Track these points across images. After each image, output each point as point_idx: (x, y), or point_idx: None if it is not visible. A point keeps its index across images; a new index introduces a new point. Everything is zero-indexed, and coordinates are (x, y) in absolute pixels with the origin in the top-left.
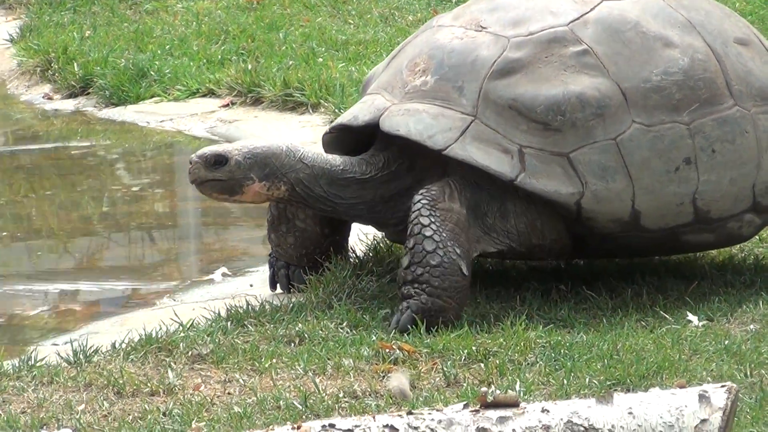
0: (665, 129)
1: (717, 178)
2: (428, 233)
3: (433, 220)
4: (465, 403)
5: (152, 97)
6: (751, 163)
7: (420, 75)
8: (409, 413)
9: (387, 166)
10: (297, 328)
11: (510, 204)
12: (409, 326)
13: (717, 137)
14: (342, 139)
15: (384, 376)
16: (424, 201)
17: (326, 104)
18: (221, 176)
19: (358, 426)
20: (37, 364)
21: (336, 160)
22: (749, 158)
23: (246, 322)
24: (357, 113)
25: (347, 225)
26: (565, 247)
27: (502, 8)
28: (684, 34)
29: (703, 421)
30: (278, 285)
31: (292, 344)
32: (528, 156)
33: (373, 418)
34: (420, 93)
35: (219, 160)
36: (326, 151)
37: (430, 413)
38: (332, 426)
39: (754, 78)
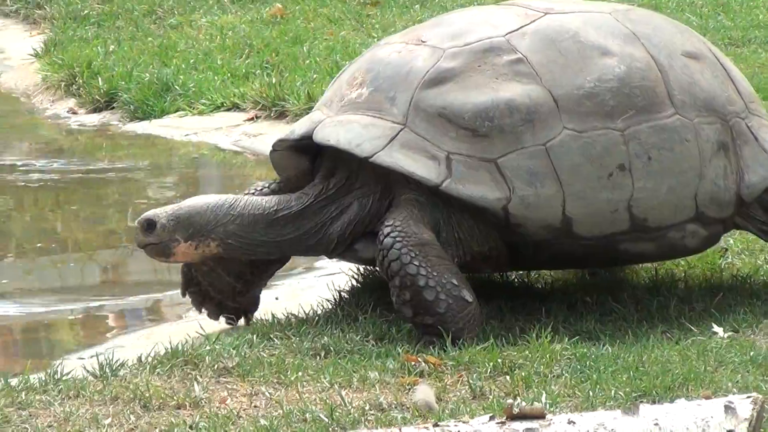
0: (597, 135)
1: (654, 186)
2: (422, 282)
3: (417, 263)
4: (491, 415)
5: (177, 111)
6: (691, 172)
7: (357, 88)
8: (436, 425)
9: (326, 191)
10: (323, 341)
11: (448, 210)
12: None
13: (654, 144)
14: (290, 156)
15: (410, 389)
16: (397, 244)
17: None
18: (153, 240)
19: None
20: (64, 378)
21: (270, 201)
22: (690, 167)
23: (272, 335)
24: (295, 128)
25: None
26: (501, 257)
27: (445, 23)
28: (625, 45)
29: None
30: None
31: (318, 357)
32: (455, 162)
33: (399, 430)
34: (354, 105)
35: (150, 225)
36: (277, 171)
37: (456, 425)
38: None
39: (699, 89)
